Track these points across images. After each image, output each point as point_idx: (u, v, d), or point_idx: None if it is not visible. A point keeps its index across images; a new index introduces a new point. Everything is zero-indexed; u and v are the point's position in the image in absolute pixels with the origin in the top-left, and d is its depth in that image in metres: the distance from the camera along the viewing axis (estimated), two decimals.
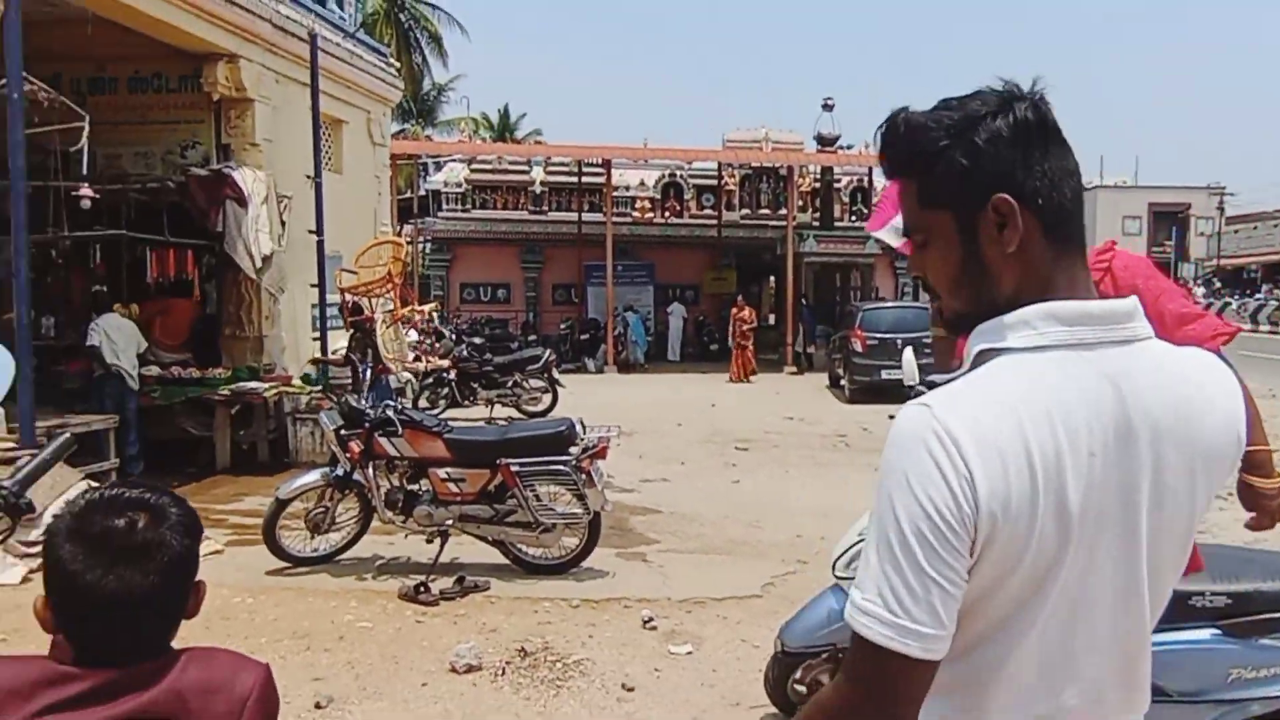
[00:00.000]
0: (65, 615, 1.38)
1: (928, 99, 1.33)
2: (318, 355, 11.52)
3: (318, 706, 4.27)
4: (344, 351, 11.74)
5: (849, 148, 26.21)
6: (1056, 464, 1.15)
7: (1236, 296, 39.37)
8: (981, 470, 1.12)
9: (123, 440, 9.30)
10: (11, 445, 7.57)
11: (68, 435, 2.15)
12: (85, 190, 8.56)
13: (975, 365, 1.26)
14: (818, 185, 27.22)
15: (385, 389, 10.82)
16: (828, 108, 25.23)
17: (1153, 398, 1.23)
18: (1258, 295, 38.84)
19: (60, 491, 7.17)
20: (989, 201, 1.23)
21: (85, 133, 7.96)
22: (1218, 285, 43.16)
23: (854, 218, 27.31)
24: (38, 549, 1.50)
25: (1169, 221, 46.44)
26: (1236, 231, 48.59)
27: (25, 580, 6.25)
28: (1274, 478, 2.58)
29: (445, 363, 14.88)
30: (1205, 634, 3.13)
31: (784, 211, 25.41)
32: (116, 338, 9.59)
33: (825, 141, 25.39)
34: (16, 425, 7.50)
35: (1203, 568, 2.94)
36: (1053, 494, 1.15)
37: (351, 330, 11.59)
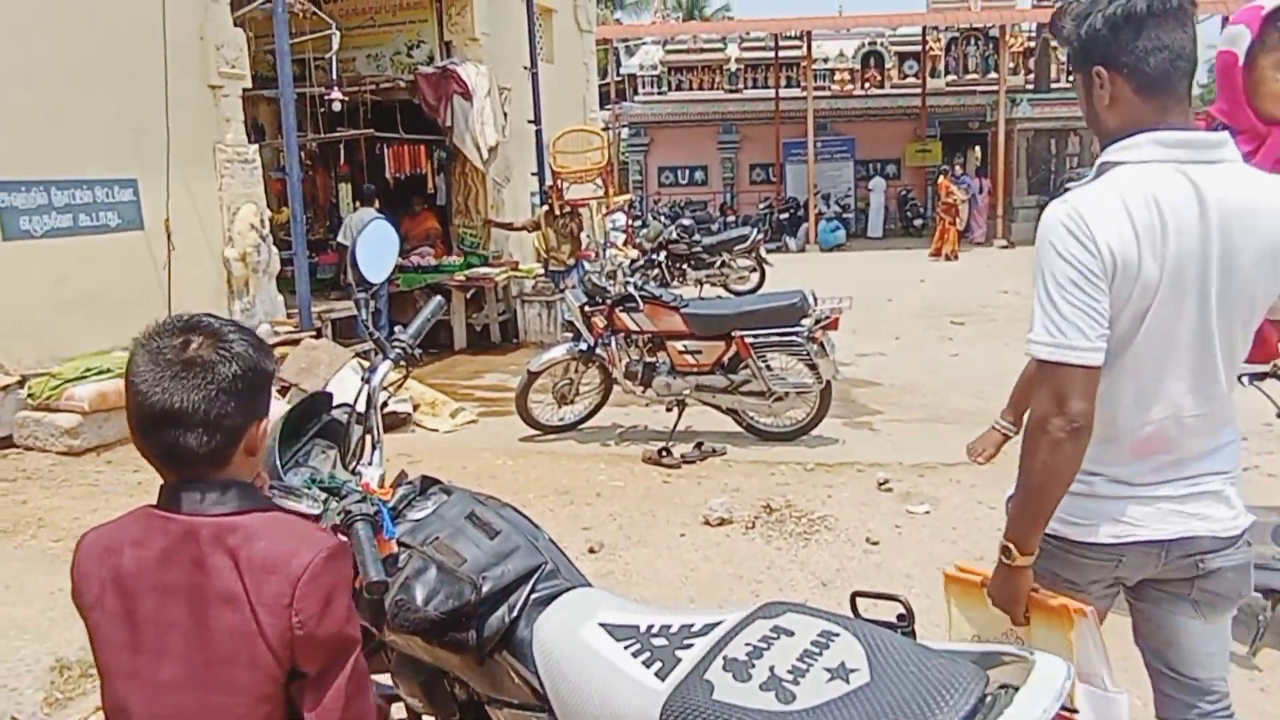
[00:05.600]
0: (134, 426, 1.45)
1: None
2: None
3: (591, 551, 4.78)
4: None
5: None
6: (1150, 233, 1.71)
7: None
8: (1101, 233, 1.71)
9: (376, 323, 10.20)
10: (291, 328, 8.50)
11: (439, 298, 2.54)
12: (336, 94, 9.27)
13: (1098, 175, 1.82)
14: (1031, 45, 25.49)
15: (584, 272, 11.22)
16: None
17: (1228, 197, 1.73)
18: None
19: (337, 367, 8.02)
20: (1092, 69, 1.83)
21: (337, 39, 8.57)
22: None
23: (1071, 79, 25.28)
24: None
25: None
26: None
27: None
28: None
29: (635, 253, 14.79)
30: None
31: (994, 75, 24.03)
32: None
33: None
34: (296, 310, 8.41)
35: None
36: (1149, 253, 1.71)
37: (558, 213, 11.69)
